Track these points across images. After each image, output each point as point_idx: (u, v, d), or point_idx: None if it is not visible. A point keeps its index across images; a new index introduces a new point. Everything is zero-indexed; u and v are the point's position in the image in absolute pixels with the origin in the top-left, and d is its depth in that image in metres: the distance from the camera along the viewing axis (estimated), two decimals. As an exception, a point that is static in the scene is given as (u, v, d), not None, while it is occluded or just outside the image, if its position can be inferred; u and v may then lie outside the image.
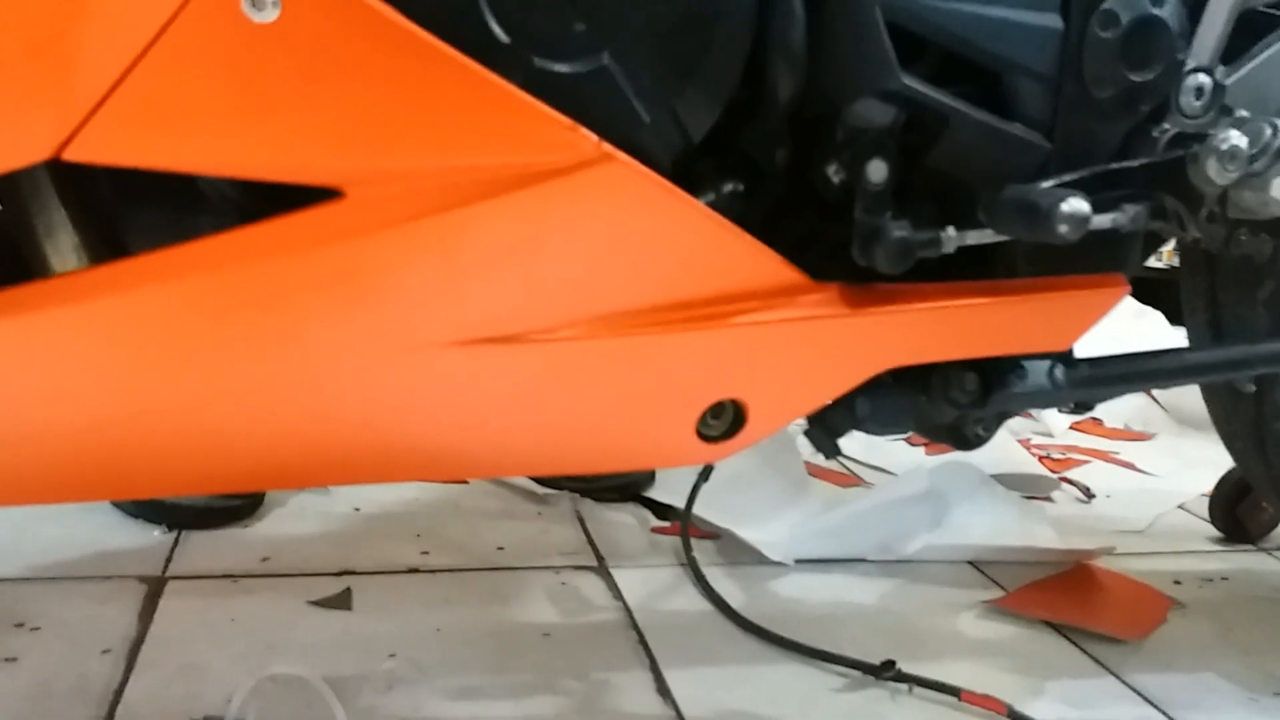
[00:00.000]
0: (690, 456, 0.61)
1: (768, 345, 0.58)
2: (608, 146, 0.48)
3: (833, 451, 0.66)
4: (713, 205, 0.57)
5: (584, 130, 0.47)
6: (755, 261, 0.55)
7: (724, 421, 0.61)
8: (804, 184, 0.61)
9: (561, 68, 0.48)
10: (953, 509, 1.14)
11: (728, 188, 0.59)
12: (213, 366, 0.48)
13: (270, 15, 0.42)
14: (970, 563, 1.10)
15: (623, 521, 1.14)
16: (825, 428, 0.66)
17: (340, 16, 0.42)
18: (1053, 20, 0.59)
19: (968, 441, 0.73)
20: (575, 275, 0.51)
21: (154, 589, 0.90)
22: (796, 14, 0.53)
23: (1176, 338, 1.47)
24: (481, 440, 0.56)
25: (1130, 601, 1.05)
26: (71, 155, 0.43)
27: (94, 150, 0.43)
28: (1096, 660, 0.91)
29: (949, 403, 0.66)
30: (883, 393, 0.65)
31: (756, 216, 0.60)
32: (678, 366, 0.57)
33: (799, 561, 1.05)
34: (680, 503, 1.09)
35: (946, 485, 1.14)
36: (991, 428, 0.75)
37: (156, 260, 0.46)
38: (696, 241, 0.52)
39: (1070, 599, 1.04)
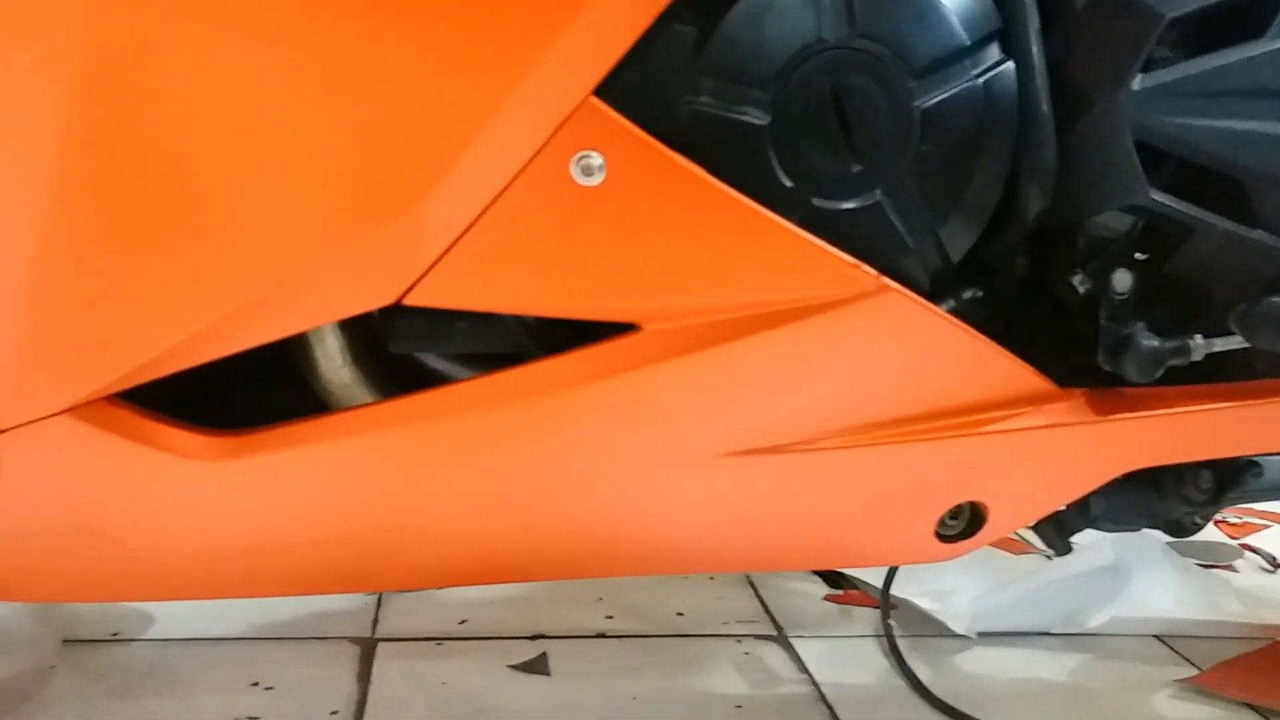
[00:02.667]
0: (926, 555, 0.64)
1: (1014, 451, 0.61)
2: (885, 280, 0.52)
3: (1064, 549, 0.68)
4: (953, 311, 0.61)
5: (865, 267, 0.51)
6: (1007, 372, 0.58)
7: (961, 521, 0.64)
8: (1039, 288, 0.64)
9: (838, 206, 0.53)
10: (1134, 580, 1.13)
11: (968, 294, 0.62)
12: (517, 475, 0.54)
13: (596, 180, 0.48)
14: (1156, 636, 1.09)
15: (795, 589, 1.17)
16: (1057, 525, 0.68)
17: (657, 178, 0.48)
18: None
19: (1184, 530, 0.74)
20: (841, 393, 0.55)
21: (367, 650, 0.98)
22: (1049, 137, 0.57)
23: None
24: (737, 539, 0.60)
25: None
26: (411, 300, 0.50)
27: (431, 296, 0.50)
28: (1308, 748, 0.89)
29: (1183, 500, 0.68)
30: (1116, 490, 0.67)
31: (992, 321, 0.63)
32: (925, 472, 0.60)
33: (981, 634, 1.06)
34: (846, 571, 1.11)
35: (1127, 555, 1.14)
36: (1209, 517, 0.75)
37: (478, 386, 0.53)
38: (956, 358, 0.56)
39: (1272, 678, 1.02)
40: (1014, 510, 0.63)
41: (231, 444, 0.54)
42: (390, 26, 0.45)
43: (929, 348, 0.55)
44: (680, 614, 1.11)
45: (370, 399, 0.60)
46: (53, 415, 0.52)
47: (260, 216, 0.47)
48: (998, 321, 0.63)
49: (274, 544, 0.57)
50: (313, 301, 0.49)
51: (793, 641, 1.06)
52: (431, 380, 0.64)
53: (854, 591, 1.14)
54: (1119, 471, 0.64)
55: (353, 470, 0.55)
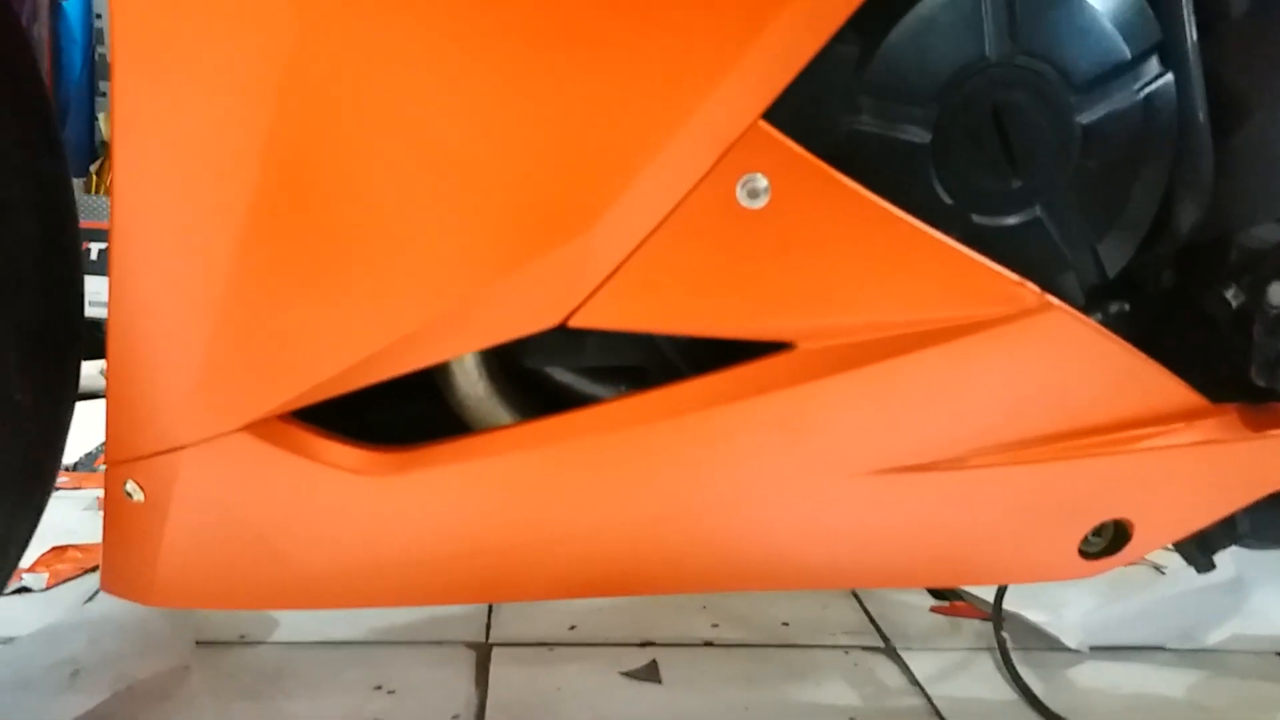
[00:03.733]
0: (1068, 572, 0.64)
1: (1163, 468, 0.60)
2: (1049, 297, 0.52)
3: (1206, 567, 0.67)
4: (1101, 324, 0.60)
5: (1030, 285, 0.51)
6: (1162, 387, 0.58)
7: (1104, 539, 0.64)
8: (1185, 301, 0.63)
9: (998, 222, 0.53)
10: (1255, 594, 1.10)
11: (1114, 308, 0.61)
12: (669, 491, 0.56)
13: (761, 203, 0.49)
14: (1278, 654, 1.06)
15: (901, 600, 1.16)
16: (1201, 542, 0.67)
17: (821, 199, 0.49)
18: None
19: (1322, 546, 0.72)
20: (995, 410, 0.55)
21: (482, 655, 1.00)
22: (1207, 150, 0.56)
23: None
24: (882, 555, 0.61)
25: None
26: (575, 322, 0.51)
27: (595, 318, 0.51)
28: None
29: (1335, 518, 0.66)
30: (1263, 507, 0.66)
31: (1138, 334, 0.62)
32: (1074, 489, 0.60)
33: (1094, 648, 1.05)
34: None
35: (1249, 569, 1.11)
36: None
37: (632, 404, 0.54)
38: (1114, 374, 0.56)
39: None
40: (1160, 528, 0.63)
41: (396, 460, 0.56)
42: (572, 58, 0.47)
43: (1088, 365, 0.55)
44: (786, 624, 1.11)
45: (504, 411, 0.62)
46: (230, 433, 0.55)
47: (441, 241, 0.49)
48: (1143, 335, 0.63)
49: (428, 556, 0.59)
50: (483, 324, 0.51)
51: (901, 654, 1.05)
52: (560, 394, 0.65)
53: (960, 603, 1.13)
54: (1270, 489, 0.63)
55: (508, 486, 0.57)
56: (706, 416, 0.54)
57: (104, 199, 1.68)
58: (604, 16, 0.47)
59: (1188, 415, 0.59)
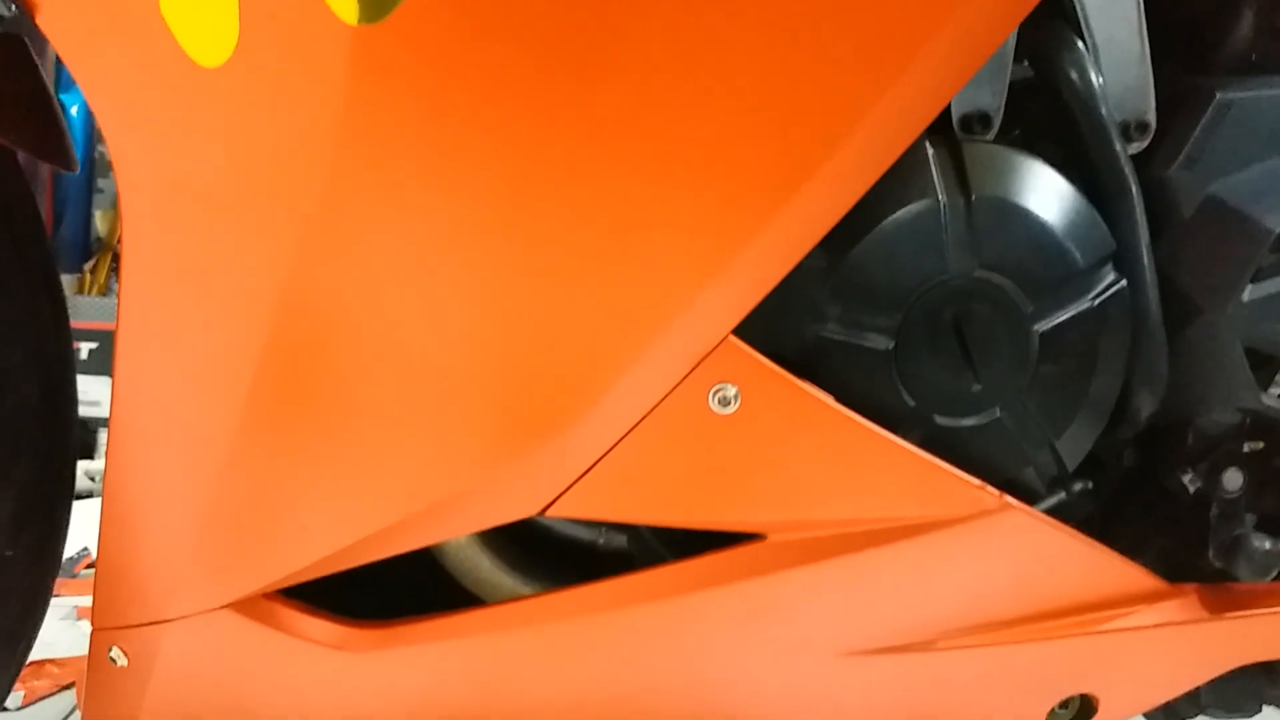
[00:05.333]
0: (1036, 744, 0.66)
1: (1126, 648, 0.62)
2: (1007, 498, 0.54)
3: (1175, 735, 0.69)
4: (1063, 503, 0.63)
5: (989, 489, 0.54)
6: (1120, 574, 0.60)
7: (1071, 710, 0.66)
8: (1147, 478, 0.66)
9: (960, 423, 0.57)
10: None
11: (1078, 486, 0.64)
12: (645, 671, 0.58)
13: (732, 409, 0.52)
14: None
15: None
16: (1168, 712, 0.69)
17: (788, 408, 0.52)
18: None
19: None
20: (960, 598, 0.58)
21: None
22: (1162, 348, 0.60)
23: None
24: (852, 731, 0.62)
25: None
26: (553, 512, 0.54)
27: (571, 509, 0.54)
28: None
29: (1299, 688, 0.68)
30: (1225, 681, 0.68)
31: (1102, 511, 0.65)
32: (1039, 668, 0.62)
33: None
34: None
35: None
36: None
37: (607, 588, 0.56)
38: (1073, 564, 0.58)
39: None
40: (1124, 702, 0.65)
41: (374, 636, 0.59)
42: (557, 276, 0.50)
43: (1048, 558, 0.57)
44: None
45: (490, 562, 0.64)
46: (215, 609, 0.57)
47: (428, 439, 0.52)
48: (1108, 510, 0.66)
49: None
50: (466, 514, 0.54)
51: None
52: (547, 544, 0.67)
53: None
54: (1231, 666, 0.65)
55: (485, 666, 0.59)
56: (682, 601, 0.56)
57: (96, 299, 1.71)
58: (592, 236, 0.50)
59: (1147, 598, 0.62)
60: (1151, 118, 0.61)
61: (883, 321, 0.55)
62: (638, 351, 0.51)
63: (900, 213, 0.55)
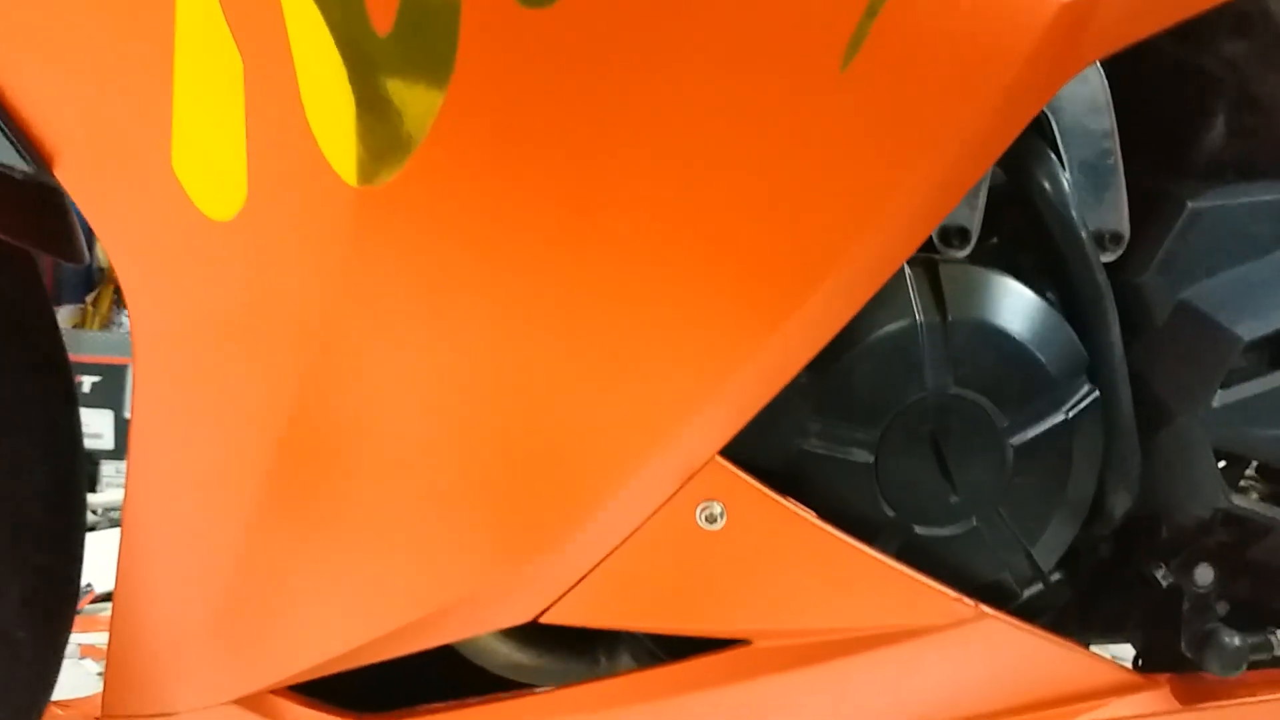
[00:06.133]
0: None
1: (1102, 739, 0.65)
2: (984, 607, 0.57)
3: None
4: (1040, 594, 0.66)
5: (965, 600, 0.57)
6: (1093, 670, 0.63)
7: (1050, 795, 0.68)
8: (1123, 569, 0.69)
9: (938, 532, 0.59)
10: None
11: (1055, 577, 0.67)
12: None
13: (718, 526, 0.54)
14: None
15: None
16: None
17: (773, 525, 0.55)
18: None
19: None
20: (938, 699, 0.60)
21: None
22: (1135, 454, 0.62)
23: None
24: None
25: None
26: (546, 619, 0.56)
27: (564, 616, 0.56)
28: None
29: (1268, 771, 0.71)
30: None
31: (1078, 599, 0.67)
32: (1017, 758, 0.64)
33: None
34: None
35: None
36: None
37: (596, 689, 0.59)
38: (1048, 664, 0.61)
39: None
40: (1100, 789, 0.67)
41: (377, 730, 0.61)
42: (551, 406, 0.53)
43: (1023, 660, 0.60)
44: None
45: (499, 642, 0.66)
46: (223, 704, 0.59)
47: (433, 550, 0.55)
48: (1083, 598, 0.68)
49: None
50: (467, 619, 0.57)
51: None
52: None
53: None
54: (1204, 753, 0.68)
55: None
56: (671, 703, 0.59)
57: (99, 334, 1.73)
58: (588, 365, 0.53)
59: (1120, 690, 0.64)
60: (1125, 229, 0.63)
61: (863, 436, 0.58)
62: (629, 472, 0.53)
63: (880, 332, 0.57)
